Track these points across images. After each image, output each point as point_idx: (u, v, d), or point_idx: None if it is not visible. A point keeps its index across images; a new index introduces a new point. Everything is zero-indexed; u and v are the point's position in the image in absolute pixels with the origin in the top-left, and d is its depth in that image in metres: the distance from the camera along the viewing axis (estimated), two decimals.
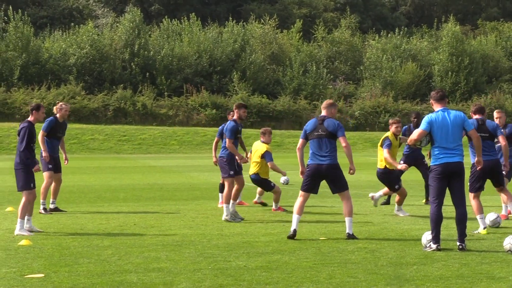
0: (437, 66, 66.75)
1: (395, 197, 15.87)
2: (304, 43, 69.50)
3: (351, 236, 12.22)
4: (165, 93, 59.95)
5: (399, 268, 9.70)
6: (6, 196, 19.65)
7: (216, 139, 17.71)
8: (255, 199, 17.48)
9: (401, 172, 15.82)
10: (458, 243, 11.09)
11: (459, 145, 11.27)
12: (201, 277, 9.14)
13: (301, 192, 12.52)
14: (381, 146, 15.47)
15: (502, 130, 15.04)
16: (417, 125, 16.05)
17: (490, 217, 13.58)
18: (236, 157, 14.84)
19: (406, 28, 74.18)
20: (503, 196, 14.16)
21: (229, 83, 62.10)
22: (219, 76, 63.16)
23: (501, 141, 13.58)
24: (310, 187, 12.45)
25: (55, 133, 16.18)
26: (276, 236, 12.57)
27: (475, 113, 13.57)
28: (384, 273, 9.34)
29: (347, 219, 12.35)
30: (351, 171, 12.44)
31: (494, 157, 13.35)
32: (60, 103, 16.68)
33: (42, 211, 15.92)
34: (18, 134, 13.18)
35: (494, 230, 13.28)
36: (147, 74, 61.25)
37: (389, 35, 70.66)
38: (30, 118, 13.48)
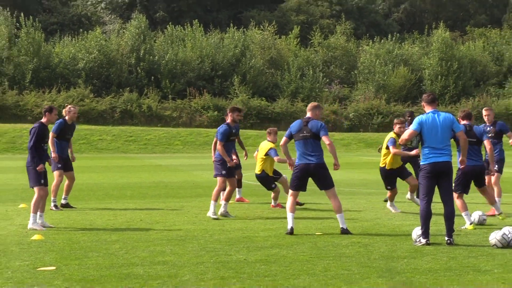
0: (427, 70, 66.68)
1: (387, 193, 15.86)
2: (301, 48, 69.41)
3: (345, 231, 12.24)
4: (169, 96, 59.87)
5: (391, 261, 9.74)
6: (19, 194, 19.67)
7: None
8: (272, 203, 16.77)
9: (404, 172, 15.62)
10: (446, 238, 11.14)
11: (447, 145, 11.31)
12: (204, 269, 9.18)
13: (291, 191, 12.54)
14: (387, 147, 15.33)
15: (490, 127, 15.10)
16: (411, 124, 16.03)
17: (475, 215, 13.56)
18: (226, 160, 14.67)
19: (398, 34, 74.05)
20: (487, 196, 13.91)
21: (230, 87, 62.04)
22: (221, 80, 63.09)
23: (487, 145, 13.60)
24: (299, 185, 12.47)
25: (64, 134, 16.22)
26: (274, 231, 12.60)
27: (463, 118, 13.56)
28: (377, 266, 9.38)
29: (338, 216, 12.37)
30: (336, 166, 12.44)
31: (480, 162, 13.37)
32: (69, 106, 16.71)
33: (53, 208, 15.96)
34: (29, 133, 13.26)
35: (481, 226, 13.32)
36: (152, 77, 61.17)
37: (382, 41, 70.57)
38: (43, 120, 13.54)
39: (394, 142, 15.09)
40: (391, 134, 15.41)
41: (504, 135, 15.45)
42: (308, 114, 12.55)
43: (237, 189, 17.76)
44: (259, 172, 16.32)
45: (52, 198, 15.94)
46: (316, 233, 12.34)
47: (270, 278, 8.64)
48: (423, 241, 11.03)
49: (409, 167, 17.63)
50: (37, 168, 12.97)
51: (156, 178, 25.90)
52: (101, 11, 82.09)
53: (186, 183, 23.63)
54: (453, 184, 12.99)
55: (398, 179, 15.72)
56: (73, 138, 16.72)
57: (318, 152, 12.32)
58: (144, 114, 58.14)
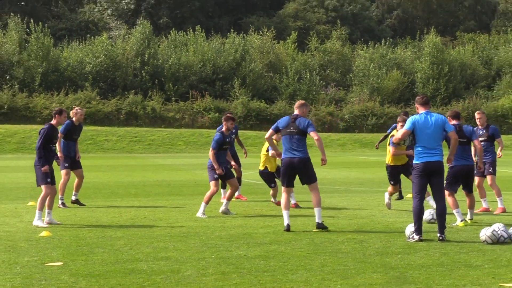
0: (419, 74, 66.70)
1: (388, 188, 15.51)
2: (299, 52, 69.41)
3: (320, 225, 12.07)
4: (173, 98, 59.87)
5: (385, 257, 9.69)
6: (28, 192, 19.64)
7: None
8: (272, 200, 16.55)
9: (409, 169, 15.31)
10: (438, 235, 11.09)
11: (439, 145, 11.27)
12: (205, 265, 9.13)
13: (283, 189, 12.43)
14: (389, 145, 15.19)
15: (483, 131, 15.02)
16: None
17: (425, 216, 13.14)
18: (215, 167, 14.36)
19: (391, 39, 74.07)
20: (470, 199, 13.52)
21: (230, 89, 62.03)
22: (222, 83, 63.09)
23: (476, 144, 13.48)
24: (289, 181, 12.38)
25: (71, 135, 16.20)
26: (273, 228, 12.55)
27: (453, 118, 13.41)
28: (372, 262, 9.33)
29: (316, 210, 12.21)
30: (323, 162, 12.36)
31: (470, 162, 13.26)
32: (76, 108, 16.68)
33: (61, 206, 15.91)
34: (39, 133, 13.22)
35: (472, 222, 13.26)
36: (156, 81, 61.17)
37: (376, 45, 70.58)
38: (52, 121, 13.47)
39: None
40: (394, 133, 15.22)
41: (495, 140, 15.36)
42: (296, 112, 12.51)
43: None
44: (262, 168, 16.24)
45: (59, 196, 15.88)
46: (313, 230, 12.29)
47: (269, 273, 8.59)
48: (416, 237, 10.99)
49: None
50: (42, 169, 12.92)
51: (159, 177, 25.86)
52: (108, 17, 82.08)
53: (189, 182, 23.60)
54: (445, 182, 12.95)
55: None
56: (80, 139, 16.69)
57: (303, 147, 12.29)
58: (148, 116, 58.14)
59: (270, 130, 12.54)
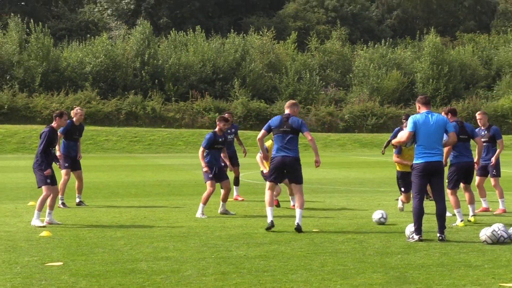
0: (419, 74, 66.72)
1: (400, 197, 15.20)
2: (299, 53, 69.43)
3: (298, 227, 11.95)
4: (173, 98, 59.89)
5: (385, 257, 9.69)
6: (28, 192, 19.63)
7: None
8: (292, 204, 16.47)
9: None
10: (438, 235, 11.08)
11: (440, 145, 11.25)
12: (205, 265, 9.13)
13: (268, 184, 12.37)
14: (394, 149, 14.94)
15: (484, 131, 14.98)
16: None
17: (375, 216, 13.08)
18: (202, 165, 14.37)
19: (391, 39, 74.10)
20: (469, 195, 13.50)
21: (230, 89, 62.05)
22: (222, 83, 63.11)
23: (478, 142, 13.50)
24: (276, 177, 12.35)
25: (71, 135, 16.20)
26: (273, 228, 12.53)
27: (453, 114, 13.34)
28: (371, 262, 9.33)
29: (298, 211, 12.12)
30: (317, 163, 12.36)
31: (471, 159, 13.26)
32: (77, 108, 16.69)
33: (61, 206, 15.90)
34: (40, 137, 13.18)
35: (474, 220, 13.23)
36: (156, 81, 61.20)
37: (376, 45, 70.61)
38: (53, 124, 13.43)
39: (400, 150, 14.56)
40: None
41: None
42: (287, 111, 12.50)
43: (234, 187, 17.68)
44: (266, 170, 16.22)
45: (59, 196, 15.87)
46: (313, 230, 12.28)
47: (269, 273, 8.59)
48: (416, 237, 10.98)
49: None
50: (45, 173, 12.91)
51: (159, 177, 25.86)
52: (108, 17, 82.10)
53: (189, 182, 23.59)
54: (447, 181, 12.94)
55: None
56: (80, 139, 16.68)
57: (295, 147, 12.31)
58: (148, 116, 58.15)
59: (262, 131, 12.46)
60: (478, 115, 15.11)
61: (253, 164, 16.71)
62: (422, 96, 11.61)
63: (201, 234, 11.79)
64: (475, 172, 13.84)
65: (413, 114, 11.75)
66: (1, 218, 14.04)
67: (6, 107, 55.69)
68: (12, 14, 67.61)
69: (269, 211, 12.19)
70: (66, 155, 16.00)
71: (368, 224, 13.09)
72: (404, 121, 17.14)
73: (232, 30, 68.76)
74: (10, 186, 21.99)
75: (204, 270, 8.78)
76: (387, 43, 70.66)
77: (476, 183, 15.11)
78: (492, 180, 15.16)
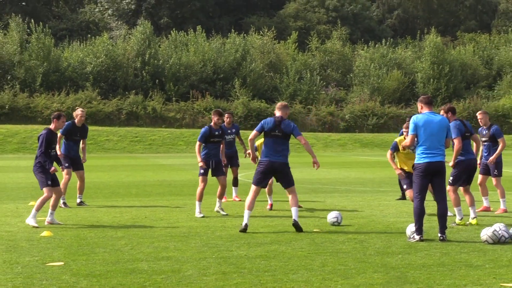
0: (420, 74, 66.70)
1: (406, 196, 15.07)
2: (299, 52, 69.41)
3: (296, 223, 12.02)
4: (173, 98, 59.87)
5: (386, 257, 9.69)
6: (29, 192, 19.64)
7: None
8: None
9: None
10: (439, 234, 11.08)
11: (442, 145, 11.23)
12: (206, 265, 9.13)
13: (253, 187, 12.31)
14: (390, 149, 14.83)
15: (486, 131, 14.96)
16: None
17: (330, 216, 13.02)
18: (198, 159, 14.39)
19: (392, 39, 74.07)
20: (467, 197, 13.37)
21: (231, 89, 62.04)
22: (222, 83, 63.10)
23: (475, 139, 13.51)
24: (261, 181, 12.31)
25: (72, 135, 16.23)
26: (274, 228, 12.55)
27: (453, 113, 13.20)
28: (372, 262, 9.33)
29: (293, 209, 12.14)
30: (315, 165, 12.36)
31: (474, 156, 13.26)
32: (78, 109, 16.71)
33: (62, 206, 15.91)
34: (38, 140, 13.17)
35: (477, 222, 13.21)
36: (157, 81, 61.19)
37: (377, 45, 70.58)
38: (51, 126, 13.42)
39: (394, 148, 14.37)
40: (399, 139, 14.57)
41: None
42: (279, 113, 12.45)
43: (233, 187, 17.69)
44: None
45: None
46: (314, 230, 12.29)
47: (270, 273, 8.59)
48: (417, 237, 10.98)
49: None
50: (50, 171, 12.91)
51: (160, 177, 25.87)
52: (108, 17, 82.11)
53: (189, 182, 23.59)
54: (451, 179, 12.88)
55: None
56: (85, 140, 16.67)
57: (285, 151, 12.31)
58: (149, 116, 58.14)
59: (254, 131, 12.39)
60: (479, 115, 15.08)
61: (253, 164, 16.66)
62: (425, 96, 11.56)
63: (202, 234, 11.79)
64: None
65: (413, 114, 11.73)
66: (2, 218, 14.04)
67: (7, 107, 55.68)
68: (13, 14, 67.61)
69: (246, 214, 12.14)
70: (66, 155, 16.04)
71: (369, 224, 13.09)
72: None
73: (232, 30, 68.76)
74: (11, 186, 21.99)
75: (205, 270, 8.78)
76: (387, 43, 70.64)
77: (478, 181, 15.11)
78: (493, 180, 15.15)
